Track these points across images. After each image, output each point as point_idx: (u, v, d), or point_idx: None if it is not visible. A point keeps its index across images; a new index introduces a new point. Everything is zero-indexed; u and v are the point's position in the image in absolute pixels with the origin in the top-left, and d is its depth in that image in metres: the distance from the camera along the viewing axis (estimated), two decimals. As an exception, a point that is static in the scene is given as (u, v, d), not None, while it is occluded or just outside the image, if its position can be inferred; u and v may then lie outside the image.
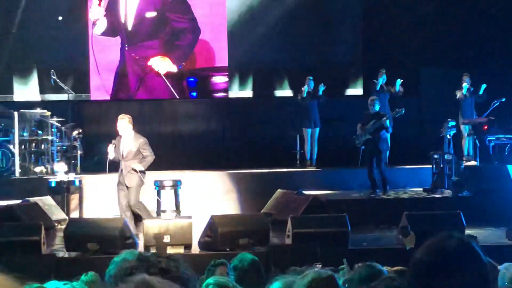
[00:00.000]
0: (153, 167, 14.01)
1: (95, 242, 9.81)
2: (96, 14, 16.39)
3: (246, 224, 10.30)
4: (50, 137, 14.19)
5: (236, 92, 17.03)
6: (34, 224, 10.59)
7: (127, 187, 11.11)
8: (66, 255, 10.02)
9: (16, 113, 14.03)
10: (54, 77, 14.96)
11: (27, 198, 12.59)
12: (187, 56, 16.89)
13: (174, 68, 16.71)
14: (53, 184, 13.07)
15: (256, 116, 16.71)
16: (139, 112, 16.42)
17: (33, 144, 14.24)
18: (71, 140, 14.53)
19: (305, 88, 15.01)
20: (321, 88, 14.93)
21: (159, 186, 12.37)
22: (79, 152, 14.52)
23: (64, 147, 14.48)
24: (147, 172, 11.32)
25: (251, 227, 10.21)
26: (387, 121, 13.13)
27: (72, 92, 15.25)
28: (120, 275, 2.30)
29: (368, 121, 13.10)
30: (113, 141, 11.28)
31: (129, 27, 16.55)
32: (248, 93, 17.06)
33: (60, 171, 13.42)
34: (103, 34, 16.48)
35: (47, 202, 12.51)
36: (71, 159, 14.36)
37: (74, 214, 12.78)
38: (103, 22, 16.44)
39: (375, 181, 13.15)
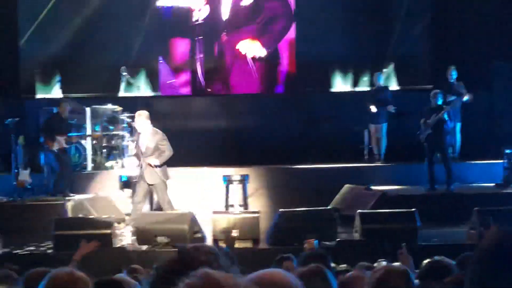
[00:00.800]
0: (221, 162, 14.16)
1: (165, 236, 9.95)
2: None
3: (313, 219, 10.28)
4: (121, 132, 14.42)
5: (299, 86, 17.01)
6: (106, 217, 10.83)
7: (149, 185, 11.10)
8: (137, 249, 10.19)
9: (88, 109, 14.32)
10: (125, 73, 15.21)
11: (99, 192, 12.86)
12: (278, 42, 16.84)
13: (263, 52, 16.70)
14: (124, 179, 13.31)
15: (320, 111, 16.62)
16: (208, 107, 16.58)
17: (105, 139, 14.50)
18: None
19: (377, 78, 14.97)
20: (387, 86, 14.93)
21: (227, 181, 12.45)
22: (149, 147, 14.73)
23: (135, 142, 14.69)
24: (208, 169, 11.40)
25: (319, 222, 10.20)
26: (445, 114, 12.90)
27: (141, 88, 15.46)
28: (162, 269, 2.33)
29: (430, 115, 12.92)
30: (133, 138, 11.39)
31: (226, 15, 16.65)
32: (310, 87, 17.02)
33: (131, 166, 13.65)
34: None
35: (118, 196, 12.75)
36: (141, 154, 14.57)
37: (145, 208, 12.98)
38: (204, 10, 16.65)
39: (433, 177, 12.99)
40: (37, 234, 11.64)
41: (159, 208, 11.30)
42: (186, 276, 1.82)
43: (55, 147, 13.02)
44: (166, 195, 11.11)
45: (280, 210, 10.61)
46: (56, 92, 16.13)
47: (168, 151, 11.07)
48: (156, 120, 15.12)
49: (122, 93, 16.28)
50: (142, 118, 11.11)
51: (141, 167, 11.15)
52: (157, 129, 11.24)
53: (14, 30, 16.46)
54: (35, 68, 16.49)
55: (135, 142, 11.32)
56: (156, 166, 10.97)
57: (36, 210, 12.49)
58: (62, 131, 13.11)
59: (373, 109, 14.70)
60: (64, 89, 16.16)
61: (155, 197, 11.42)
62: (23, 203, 12.65)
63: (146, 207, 11.35)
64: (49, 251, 10.06)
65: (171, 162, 11.51)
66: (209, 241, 10.14)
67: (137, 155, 11.34)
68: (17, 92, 16.18)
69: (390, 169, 14.54)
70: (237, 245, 10.08)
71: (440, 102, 13.02)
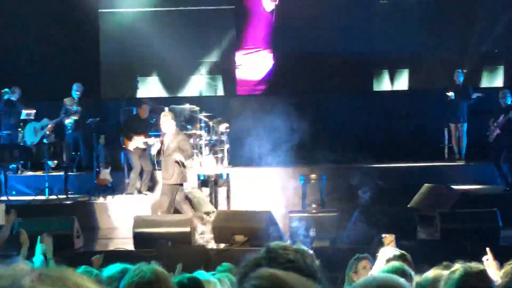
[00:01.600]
0: (298, 161, 14.13)
1: (242, 234, 10.01)
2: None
3: (392, 218, 10.17)
4: (198, 132, 14.56)
5: (377, 85, 16.86)
6: (184, 216, 10.96)
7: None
8: (215, 247, 10.29)
9: (166, 109, 14.50)
10: (202, 73, 15.41)
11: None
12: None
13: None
14: (201, 177, 13.45)
15: (399, 109, 16.42)
16: (285, 106, 16.54)
17: (183, 139, 14.66)
18: (219, 134, 14.87)
19: (457, 77, 14.70)
20: (471, 88, 14.65)
21: (305, 180, 12.43)
22: (226, 146, 14.84)
23: (212, 141, 14.82)
24: (285, 168, 11.37)
25: (398, 221, 10.07)
26: None
27: (217, 87, 15.59)
28: (249, 266, 2.33)
29: (499, 115, 12.64)
30: (160, 139, 11.52)
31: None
32: (388, 86, 16.84)
33: (209, 165, 13.78)
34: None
35: (196, 194, 12.88)
36: (218, 153, 14.70)
37: (222, 207, 13.09)
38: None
39: (504, 176, 12.69)
40: (118, 232, 11.90)
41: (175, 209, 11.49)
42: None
43: (131, 147, 13.24)
44: (183, 195, 11.42)
45: (358, 209, 10.53)
46: (136, 93, 16.43)
47: (190, 151, 11.38)
48: (232, 119, 15.31)
49: (200, 93, 16.47)
50: (168, 119, 11.39)
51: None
52: (179, 130, 11.50)
53: (95, 34, 16.86)
54: (116, 69, 16.88)
55: (161, 143, 11.52)
56: (178, 163, 11.13)
57: (115, 207, 12.76)
58: (140, 131, 13.32)
59: (450, 95, 14.44)
60: (143, 90, 16.44)
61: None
62: (104, 201, 12.94)
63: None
64: (130, 248, 10.24)
65: (249, 161, 11.56)
66: (287, 240, 10.13)
67: (159, 154, 11.53)
68: (98, 92, 16.55)
69: (470, 168, 14.25)
70: (314, 244, 10.05)
71: (509, 101, 12.72)
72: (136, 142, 13.23)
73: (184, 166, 11.33)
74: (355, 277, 5.72)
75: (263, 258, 2.32)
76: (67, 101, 14.35)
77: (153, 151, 11.53)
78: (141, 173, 13.45)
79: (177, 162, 11.16)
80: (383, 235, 6.05)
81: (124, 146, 13.44)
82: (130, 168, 13.58)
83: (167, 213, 11.13)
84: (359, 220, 10.18)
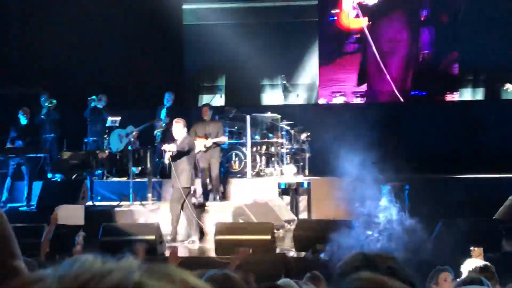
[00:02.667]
0: (379, 170, 13.97)
1: (323, 243, 9.96)
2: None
3: (477, 230, 9.95)
4: (280, 140, 14.60)
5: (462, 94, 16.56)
6: (265, 223, 10.99)
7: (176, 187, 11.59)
8: (295, 255, 10.27)
9: (248, 117, 14.60)
10: (284, 82, 15.45)
11: (258, 198, 13.08)
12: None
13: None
14: (282, 186, 13.47)
15: (484, 119, 16.06)
16: (362, 115, 16.39)
17: (264, 147, 14.73)
18: (300, 143, 14.88)
19: None
20: None
21: (387, 189, 12.29)
22: (307, 155, 14.82)
23: (293, 150, 14.83)
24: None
25: (483, 233, 9.85)
26: None
27: (299, 95, 15.61)
28: (347, 273, 2.32)
29: None
30: (169, 146, 11.79)
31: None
32: (470, 95, 16.52)
33: (290, 173, 13.80)
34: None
35: (277, 202, 12.91)
36: (299, 162, 14.70)
37: (303, 215, 13.07)
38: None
39: None
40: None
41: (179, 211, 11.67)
42: None
43: (196, 150, 13.40)
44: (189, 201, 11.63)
45: (442, 220, 10.34)
46: (217, 100, 16.60)
47: (185, 148, 11.63)
48: (313, 128, 15.26)
49: (281, 101, 16.53)
50: (179, 126, 11.69)
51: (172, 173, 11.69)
52: (188, 136, 11.90)
53: (179, 46, 17.16)
54: (199, 77, 17.15)
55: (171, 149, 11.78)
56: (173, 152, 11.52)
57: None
58: (201, 133, 13.38)
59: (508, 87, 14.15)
60: (225, 98, 16.61)
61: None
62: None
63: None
64: (212, 255, 10.32)
65: (330, 170, 11.47)
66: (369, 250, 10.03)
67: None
68: (182, 100, 16.80)
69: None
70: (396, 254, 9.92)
71: None
72: (199, 145, 13.36)
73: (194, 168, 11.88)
74: (436, 288, 5.64)
75: (363, 266, 2.32)
76: (159, 108, 14.64)
77: (166, 161, 11.88)
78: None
79: (171, 155, 11.56)
80: (472, 248, 5.95)
81: None
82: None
83: (176, 219, 11.52)
84: (442, 232, 10.00)
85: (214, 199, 13.31)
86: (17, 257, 1.05)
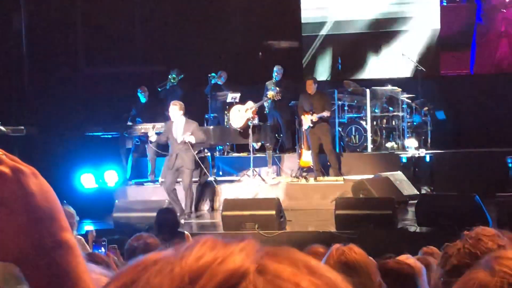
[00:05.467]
0: (504, 141, 13.50)
1: (447, 218, 9.71)
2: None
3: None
4: (400, 113, 14.35)
5: None
6: (387, 198, 10.86)
7: (178, 170, 11.66)
8: (418, 230, 10.10)
9: (368, 90, 14.42)
10: (405, 54, 15.19)
11: (379, 173, 12.93)
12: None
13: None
14: (404, 160, 13.26)
15: None
16: (490, 85, 15.83)
17: (384, 120, 14.53)
18: (422, 115, 14.58)
19: None
20: None
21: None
22: (429, 128, 14.52)
23: (415, 123, 14.56)
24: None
25: None
26: None
27: (423, 68, 15.25)
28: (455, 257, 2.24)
29: None
30: (162, 125, 12.01)
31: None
32: None
33: (411, 147, 13.56)
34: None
35: (398, 177, 12.72)
36: (421, 135, 14.41)
37: (424, 190, 12.83)
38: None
39: None
40: (319, 213, 12.03)
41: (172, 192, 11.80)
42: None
43: (305, 126, 13.32)
44: (189, 181, 11.79)
45: None
46: (336, 75, 16.47)
47: (202, 137, 11.83)
48: (436, 100, 14.89)
49: (402, 73, 16.23)
50: (175, 109, 11.71)
51: (171, 155, 11.73)
52: (190, 120, 11.80)
53: (296, 22, 17.14)
54: (318, 51, 17.10)
55: (164, 130, 11.97)
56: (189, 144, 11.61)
57: (317, 188, 12.93)
58: (307, 108, 13.28)
59: None
60: (345, 72, 16.46)
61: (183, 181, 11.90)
62: (306, 182, 13.15)
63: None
64: (332, 230, 10.30)
65: (453, 143, 11.22)
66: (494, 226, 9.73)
67: (168, 143, 12.01)
68: (300, 75, 16.79)
69: None
70: None
71: None
72: (306, 122, 13.23)
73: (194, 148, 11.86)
74: None
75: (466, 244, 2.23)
76: (268, 84, 14.68)
77: (152, 139, 12.15)
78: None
79: (188, 143, 11.62)
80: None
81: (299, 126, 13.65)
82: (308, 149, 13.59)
83: (175, 198, 11.68)
84: None
85: (334, 174, 13.26)
86: (66, 229, 1.07)
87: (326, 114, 13.25)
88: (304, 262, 0.79)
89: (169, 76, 14.99)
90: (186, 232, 7.84)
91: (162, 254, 0.82)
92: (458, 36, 16.37)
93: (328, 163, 13.45)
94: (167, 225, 7.63)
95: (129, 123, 14.23)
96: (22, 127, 5.55)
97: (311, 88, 13.39)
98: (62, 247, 1.07)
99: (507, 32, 16.07)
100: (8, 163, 1.07)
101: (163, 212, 8.20)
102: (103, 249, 5.95)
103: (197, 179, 12.67)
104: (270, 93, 13.81)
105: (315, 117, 13.12)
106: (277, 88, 14.01)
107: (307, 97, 13.41)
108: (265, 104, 14.33)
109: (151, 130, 12.33)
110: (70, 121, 14.63)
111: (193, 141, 11.77)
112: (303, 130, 13.47)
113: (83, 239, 6.65)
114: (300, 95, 13.67)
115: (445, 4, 16.36)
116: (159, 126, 12.54)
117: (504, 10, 15.97)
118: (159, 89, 15.07)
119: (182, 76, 14.99)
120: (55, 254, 1.06)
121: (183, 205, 11.83)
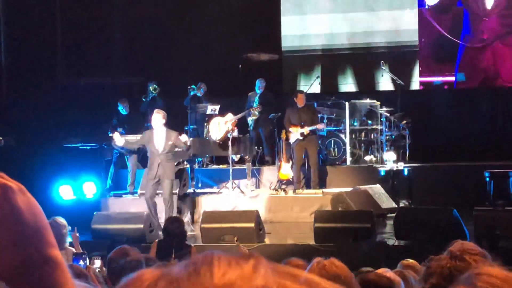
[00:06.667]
0: (481, 155, 13.62)
1: (425, 231, 9.76)
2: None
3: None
4: (379, 127, 14.43)
5: None
6: (365, 211, 10.89)
7: (159, 180, 11.30)
8: (396, 243, 10.13)
9: (347, 104, 14.49)
10: (384, 68, 15.26)
11: (358, 186, 12.97)
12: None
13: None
14: (382, 173, 13.31)
15: None
16: (470, 99, 15.97)
17: (363, 134, 14.59)
18: (400, 129, 14.66)
19: None
20: None
21: (490, 177, 11.97)
22: (407, 141, 14.60)
23: (393, 137, 14.64)
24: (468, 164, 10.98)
25: None
26: None
27: (402, 82, 15.31)
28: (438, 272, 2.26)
29: None
30: (141, 136, 11.72)
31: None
32: None
33: (390, 160, 13.62)
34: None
35: (376, 190, 12.77)
36: (400, 149, 14.49)
37: (403, 203, 12.88)
38: None
39: None
40: (298, 226, 12.03)
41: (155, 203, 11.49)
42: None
43: (292, 139, 13.33)
44: (170, 192, 11.44)
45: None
46: (315, 88, 16.52)
47: (184, 146, 11.60)
48: (413, 113, 14.99)
49: (381, 87, 16.32)
50: (159, 117, 11.34)
51: (152, 164, 11.33)
52: (170, 130, 11.45)
53: (276, 34, 17.18)
54: (297, 64, 17.14)
55: (142, 138, 11.64)
56: (185, 145, 11.54)
57: (296, 202, 12.92)
58: (295, 122, 13.31)
59: None
60: (323, 85, 16.51)
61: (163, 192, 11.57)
62: (285, 195, 13.13)
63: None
64: (311, 243, 10.30)
65: (430, 157, 11.27)
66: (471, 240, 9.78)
67: (130, 147, 12.09)
68: (280, 87, 16.82)
69: None
70: (501, 244, 9.64)
71: None
72: (294, 134, 13.24)
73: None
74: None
75: (449, 263, 2.25)
76: (251, 95, 14.71)
77: (119, 143, 11.83)
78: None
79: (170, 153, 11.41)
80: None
81: (282, 138, 13.61)
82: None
83: (154, 212, 11.35)
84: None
85: (313, 187, 13.27)
86: (53, 245, 1.07)
87: (321, 126, 13.34)
88: (307, 278, 0.81)
89: (150, 88, 14.96)
90: (192, 245, 7.81)
91: (174, 272, 0.81)
92: (437, 48, 16.47)
93: (310, 176, 13.46)
94: (175, 235, 7.59)
95: (110, 134, 14.18)
96: (0, 138, 5.53)
97: (302, 101, 13.41)
98: (49, 263, 1.07)
99: (489, 40, 16.11)
100: None
101: (172, 220, 8.15)
102: (82, 262, 5.90)
103: (176, 191, 12.58)
104: (255, 112, 13.99)
105: (306, 130, 13.14)
106: (260, 106, 14.11)
107: (296, 110, 13.41)
108: (249, 121, 14.41)
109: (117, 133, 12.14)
110: (48, 132, 14.55)
111: (189, 142, 11.74)
112: (291, 142, 13.44)
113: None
114: (287, 108, 13.64)
115: (424, 16, 16.47)
116: (133, 138, 12.38)
117: (486, 19, 16.09)
118: (143, 99, 15.04)
119: (159, 89, 14.99)
120: (42, 270, 1.06)
121: (161, 220, 11.69)
